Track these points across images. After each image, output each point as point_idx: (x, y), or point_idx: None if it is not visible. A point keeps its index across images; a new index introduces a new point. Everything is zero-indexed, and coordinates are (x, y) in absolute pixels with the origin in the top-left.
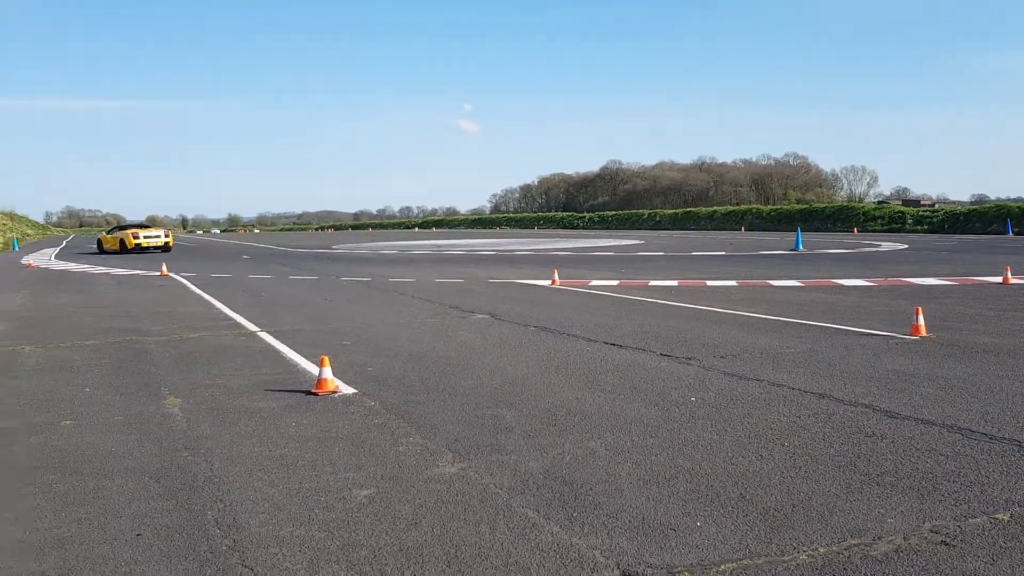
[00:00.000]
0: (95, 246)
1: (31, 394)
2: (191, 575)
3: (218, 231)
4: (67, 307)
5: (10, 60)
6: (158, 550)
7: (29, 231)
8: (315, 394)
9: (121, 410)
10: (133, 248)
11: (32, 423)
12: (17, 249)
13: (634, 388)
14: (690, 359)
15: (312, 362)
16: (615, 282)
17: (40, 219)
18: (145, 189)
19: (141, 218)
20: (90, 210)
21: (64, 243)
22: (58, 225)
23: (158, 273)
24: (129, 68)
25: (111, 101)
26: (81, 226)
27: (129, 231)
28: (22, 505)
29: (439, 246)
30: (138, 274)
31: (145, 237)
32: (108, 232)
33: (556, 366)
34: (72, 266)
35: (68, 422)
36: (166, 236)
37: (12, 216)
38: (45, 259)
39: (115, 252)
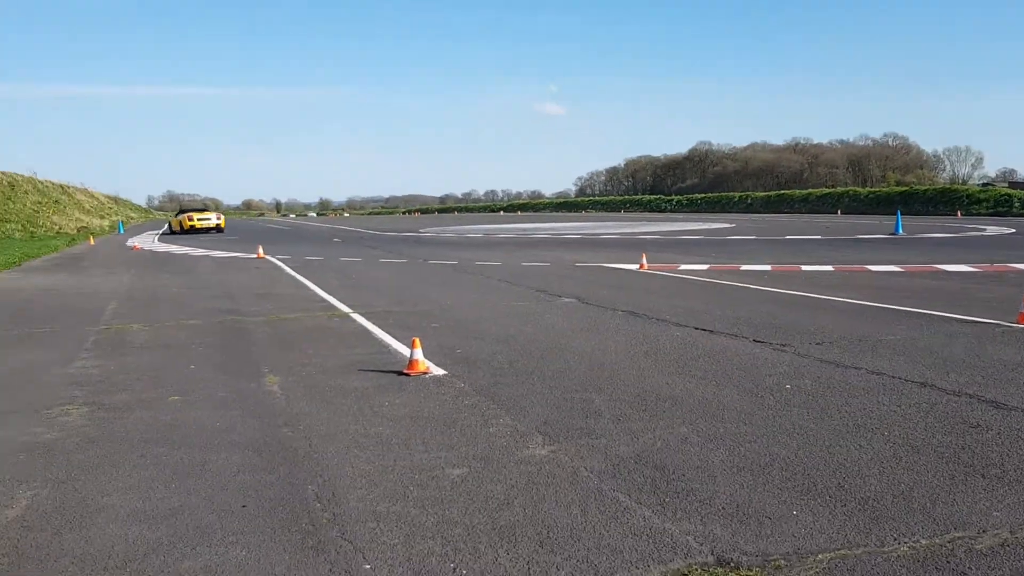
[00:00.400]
0: (167, 228)
1: (141, 370)
2: (294, 546)
3: (314, 215)
4: (170, 287)
5: (117, 50)
6: (262, 521)
7: (132, 214)
8: (407, 374)
9: (224, 387)
10: (189, 229)
11: (143, 398)
12: (122, 232)
13: (726, 374)
14: (784, 346)
15: (403, 343)
16: (705, 266)
17: (142, 203)
18: (242, 174)
19: (237, 203)
20: (189, 194)
21: (165, 226)
22: (159, 209)
23: (255, 256)
24: (230, 57)
25: (211, 89)
26: (181, 210)
27: (186, 215)
28: (136, 476)
29: (524, 230)
30: (236, 256)
31: (199, 220)
32: (175, 215)
33: (645, 351)
34: (173, 248)
35: (175, 398)
36: (218, 219)
37: (116, 200)
38: (148, 241)
39: (179, 232)
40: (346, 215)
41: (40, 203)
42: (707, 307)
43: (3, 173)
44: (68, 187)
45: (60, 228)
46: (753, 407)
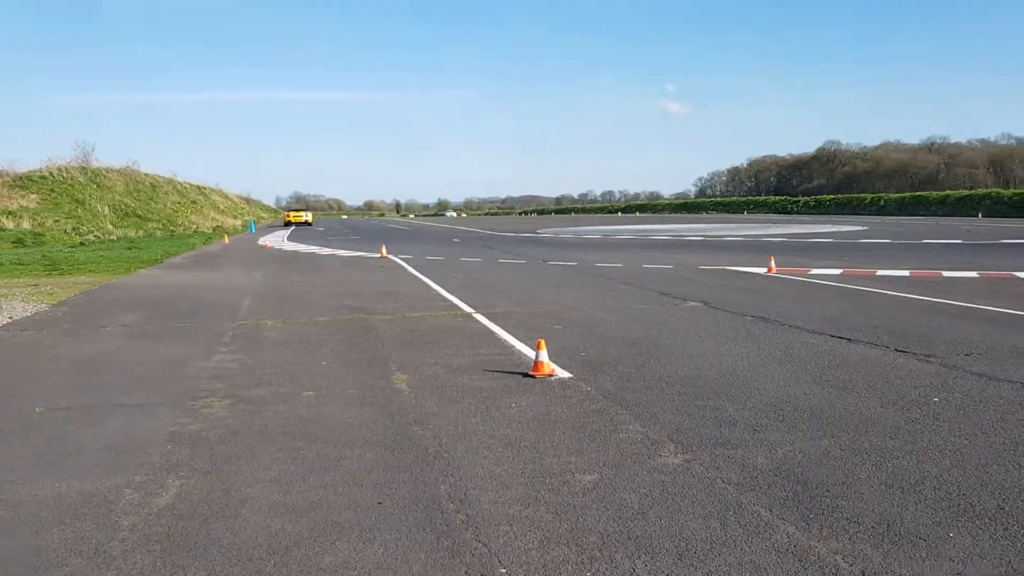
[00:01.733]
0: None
1: (276, 365)
2: (430, 546)
3: (452, 214)
4: (300, 285)
5: (253, 57)
6: (398, 519)
7: (263, 214)
8: (532, 376)
9: (355, 383)
10: (288, 222)
11: (279, 393)
12: (254, 231)
13: (868, 385)
14: (929, 356)
15: (527, 344)
16: (838, 271)
17: (271, 203)
18: (364, 175)
19: (359, 203)
20: (314, 195)
21: (294, 226)
22: (288, 209)
23: (378, 255)
24: (358, 64)
25: (339, 93)
26: (307, 209)
27: (286, 213)
28: (276, 470)
29: (644, 231)
30: (361, 256)
31: (294, 215)
32: (286, 212)
33: (779, 358)
34: (301, 247)
35: (310, 393)
36: (307, 216)
37: (248, 200)
38: (278, 240)
39: (287, 224)
40: (464, 215)
41: (179, 203)
42: (843, 314)
43: (146, 175)
44: (204, 188)
45: (197, 227)
46: (899, 421)
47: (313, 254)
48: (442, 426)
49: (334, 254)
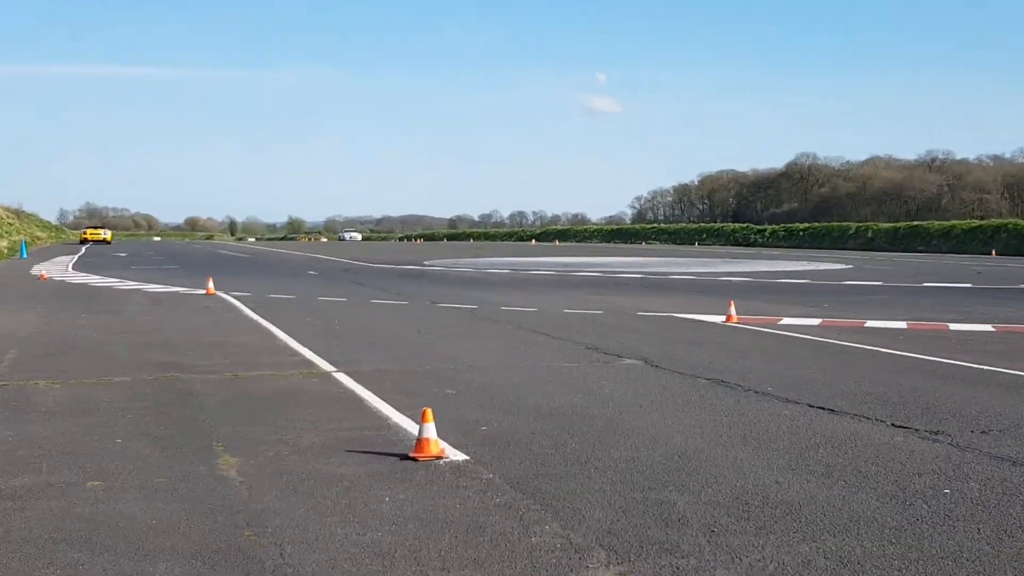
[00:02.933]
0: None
1: (49, 444)
2: None
3: (355, 235)
4: (90, 331)
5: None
6: None
7: (40, 233)
8: (414, 459)
9: (163, 469)
10: (84, 240)
11: (51, 482)
12: (25, 256)
13: (858, 472)
14: (936, 433)
15: (407, 415)
16: (815, 321)
17: (53, 218)
18: (188, 183)
19: (178, 220)
20: (115, 208)
21: (84, 249)
22: (75, 227)
23: (203, 291)
24: (179, 29)
25: (150, 68)
26: (96, 227)
27: (86, 231)
28: None
29: (566, 264)
30: (178, 292)
31: (92, 233)
32: (83, 231)
33: (742, 435)
34: (94, 279)
35: (96, 483)
36: (106, 233)
37: (19, 213)
38: (60, 269)
39: (83, 242)
40: (323, 240)
41: None
42: (823, 376)
43: None
44: None
45: None
46: (900, 520)
47: (110, 288)
48: (286, 529)
49: (139, 289)
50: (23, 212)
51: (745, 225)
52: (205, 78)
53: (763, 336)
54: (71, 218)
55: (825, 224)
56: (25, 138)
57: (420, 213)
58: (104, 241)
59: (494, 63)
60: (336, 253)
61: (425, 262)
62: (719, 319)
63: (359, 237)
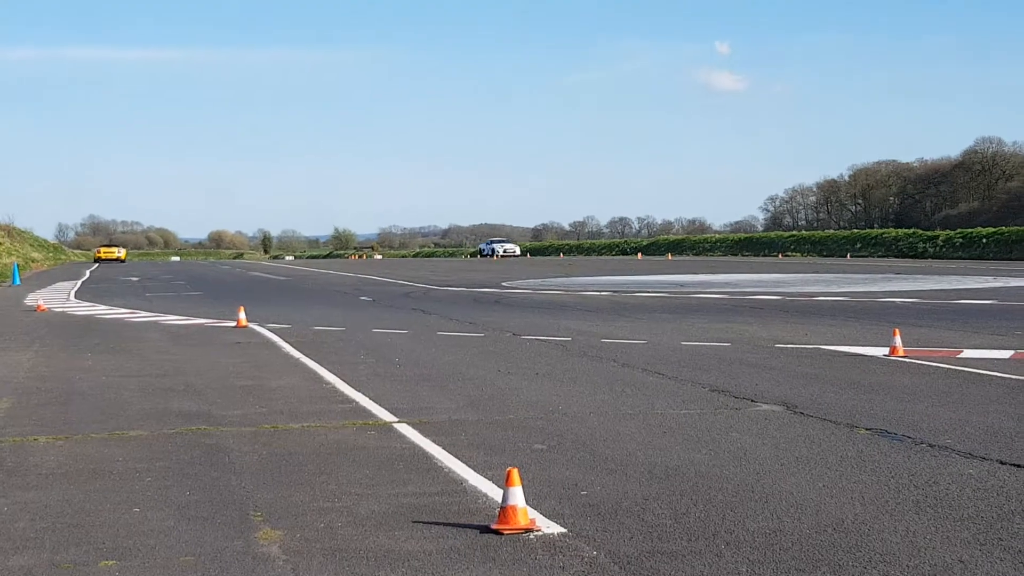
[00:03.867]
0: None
1: (53, 514)
2: None
3: (513, 248)
4: (98, 374)
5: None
6: None
7: (35, 254)
8: (497, 532)
9: (190, 546)
10: (98, 259)
11: (55, 561)
12: (18, 283)
13: None
14: None
15: (488, 477)
16: (1006, 353)
17: (50, 235)
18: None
19: (202, 236)
20: (125, 222)
21: (88, 273)
22: (77, 246)
23: (232, 324)
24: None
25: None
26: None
27: (100, 249)
28: None
29: (681, 284)
30: (202, 324)
31: (106, 251)
32: (97, 249)
33: (914, 501)
34: (101, 309)
35: (110, 562)
36: (120, 251)
37: (9, 231)
38: (60, 297)
39: (97, 260)
40: (377, 256)
41: None
42: (1018, 425)
43: None
44: None
45: None
46: None
47: (119, 321)
48: None
49: (155, 321)
50: (15, 229)
51: (911, 231)
52: (226, 62)
53: (938, 374)
54: (72, 235)
55: (1015, 228)
56: (15, 141)
57: (496, 222)
58: (119, 260)
59: (585, 32)
60: (395, 272)
61: (504, 283)
62: (881, 352)
63: (517, 251)
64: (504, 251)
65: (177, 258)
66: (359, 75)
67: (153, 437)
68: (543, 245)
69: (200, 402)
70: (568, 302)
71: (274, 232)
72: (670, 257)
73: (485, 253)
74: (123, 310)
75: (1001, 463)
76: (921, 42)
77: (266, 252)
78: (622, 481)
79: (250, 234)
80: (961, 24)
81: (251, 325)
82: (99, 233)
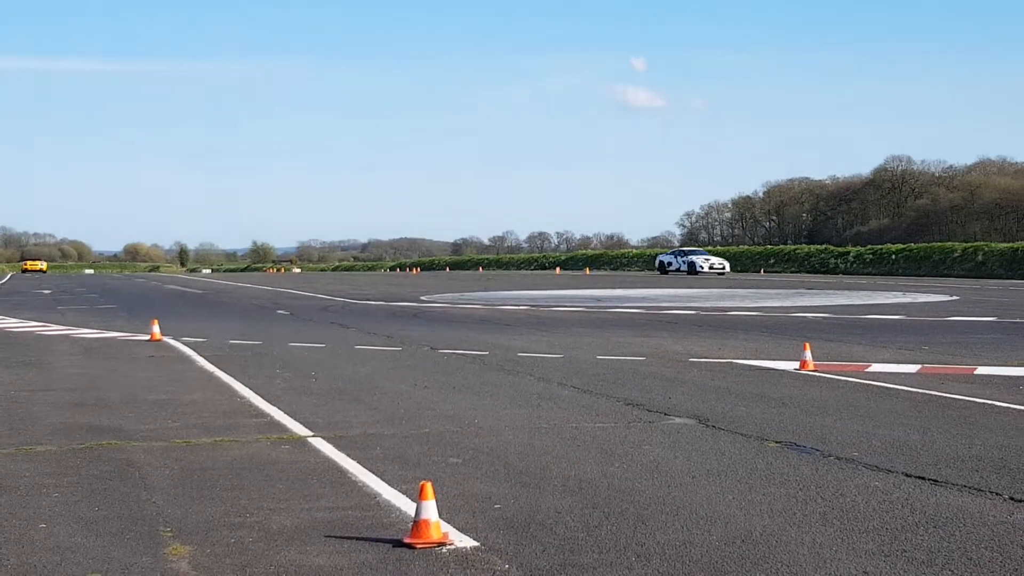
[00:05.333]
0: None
1: None
2: None
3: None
4: (6, 388)
5: None
6: None
7: None
8: (410, 546)
9: (97, 562)
10: (25, 271)
11: None
12: None
13: (968, 558)
14: None
15: (402, 491)
16: (912, 368)
17: None
18: (127, 204)
19: (117, 247)
20: (37, 235)
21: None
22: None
23: (146, 337)
24: (106, 18)
25: (62, 60)
26: (22, 259)
27: (26, 262)
28: None
29: (599, 299)
30: (115, 338)
31: (31, 264)
32: (23, 262)
33: (821, 513)
34: (10, 323)
35: None
36: (43, 264)
37: None
38: None
39: (24, 272)
40: (296, 270)
41: None
42: (923, 438)
43: None
44: None
45: None
46: None
47: (29, 334)
48: None
49: (67, 334)
50: None
51: (823, 247)
52: (142, 72)
53: (846, 387)
54: None
55: (923, 245)
56: None
57: (415, 236)
58: (42, 271)
59: (503, 49)
60: (312, 286)
61: (423, 297)
62: (791, 366)
63: (727, 268)
64: (711, 266)
65: (91, 271)
66: (280, 87)
67: (62, 452)
68: (462, 259)
69: (111, 417)
70: (486, 316)
71: (191, 245)
72: (588, 272)
73: (674, 268)
74: (34, 323)
75: (906, 475)
76: (833, 60)
77: (183, 265)
78: (536, 495)
79: (166, 247)
80: (872, 43)
81: (165, 339)
82: (11, 245)
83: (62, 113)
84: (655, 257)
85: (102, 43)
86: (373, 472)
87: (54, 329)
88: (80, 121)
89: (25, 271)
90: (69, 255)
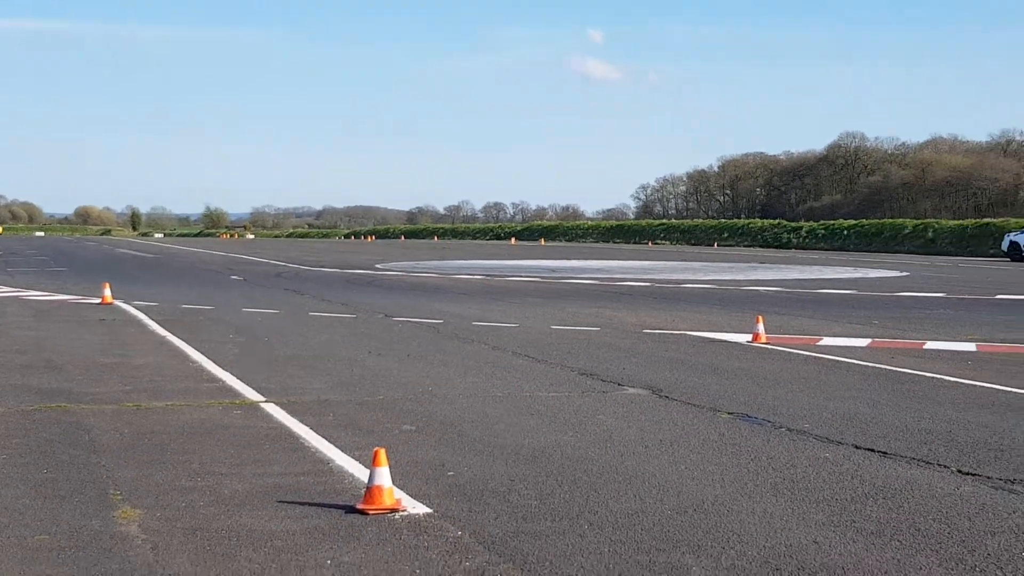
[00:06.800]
0: None
1: None
2: None
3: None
4: None
5: None
6: None
7: None
8: (363, 512)
9: (46, 524)
10: None
11: None
12: None
13: (916, 529)
14: (1012, 483)
15: (355, 457)
16: (863, 341)
17: None
18: (78, 166)
19: (68, 210)
20: None
21: None
22: None
23: (97, 300)
24: None
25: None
26: None
27: None
28: None
29: (553, 270)
30: (65, 301)
31: None
32: None
33: (772, 483)
34: None
35: None
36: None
37: None
38: None
39: None
40: (249, 236)
41: None
42: (873, 411)
43: None
44: None
45: None
46: None
47: None
48: None
49: (16, 296)
50: None
51: (776, 221)
52: (97, 34)
53: (798, 360)
54: None
55: (875, 221)
56: None
57: (371, 204)
58: None
59: (460, 20)
60: (267, 252)
61: (377, 265)
62: (744, 339)
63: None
64: None
65: (41, 233)
66: (236, 52)
67: (10, 414)
68: (418, 228)
69: (61, 379)
70: (441, 285)
71: (143, 209)
72: (543, 243)
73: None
74: None
75: (856, 447)
76: (789, 37)
77: (135, 229)
78: (489, 462)
79: (118, 210)
80: (828, 20)
81: (116, 302)
82: None
83: (13, 73)
84: (1003, 235)
85: (55, 4)
86: (326, 438)
87: (3, 291)
88: (31, 82)
89: None
90: (19, 217)
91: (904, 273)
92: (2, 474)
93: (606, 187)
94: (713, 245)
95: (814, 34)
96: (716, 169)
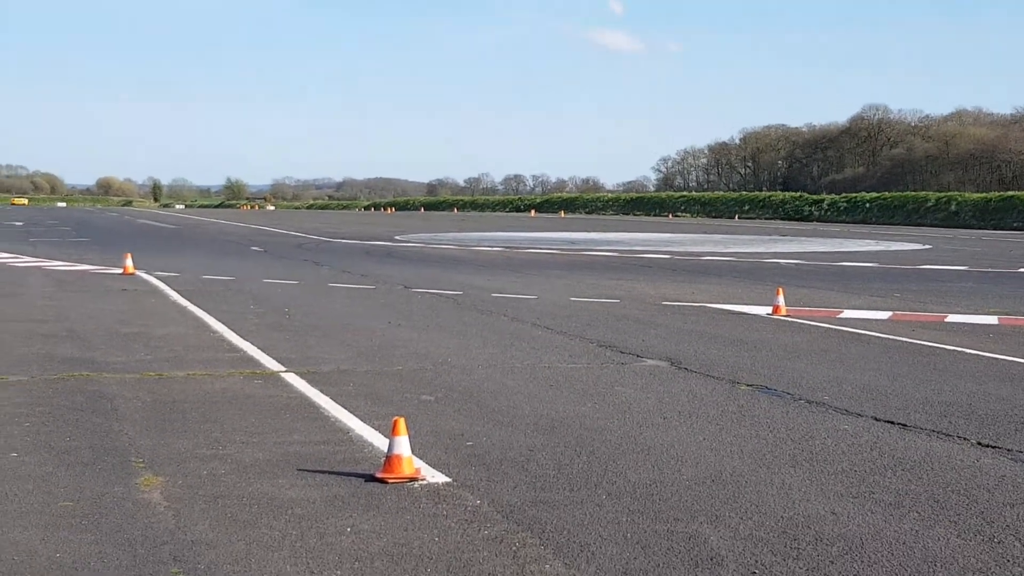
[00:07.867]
0: None
1: None
2: None
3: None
4: None
5: None
6: None
7: None
8: (382, 480)
9: (69, 491)
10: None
11: None
12: None
13: (935, 501)
14: None
15: (374, 427)
16: (884, 314)
17: None
18: (101, 137)
19: (90, 181)
20: (9, 166)
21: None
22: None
23: (119, 271)
24: None
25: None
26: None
27: (14, 198)
28: None
29: (573, 242)
30: (88, 271)
31: (16, 200)
32: (12, 198)
33: (791, 454)
34: None
35: None
36: (24, 200)
37: None
38: None
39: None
40: (270, 207)
41: None
42: (892, 383)
43: None
44: None
45: None
46: (987, 560)
47: (3, 266)
48: (222, 567)
49: (40, 266)
50: None
51: (798, 194)
52: (120, 4)
53: (818, 333)
54: None
55: (897, 194)
56: None
57: (391, 176)
58: (24, 205)
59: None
60: (287, 224)
61: (397, 236)
62: (764, 311)
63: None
64: None
65: (63, 204)
66: (258, 24)
67: (34, 382)
68: (437, 200)
69: (84, 348)
70: (461, 257)
71: (165, 180)
72: (563, 215)
73: None
74: (5, 255)
75: (875, 419)
76: (813, 8)
77: (156, 200)
78: (508, 432)
79: (140, 182)
80: None
81: (138, 273)
82: None
83: (35, 44)
84: None
85: None
86: (346, 408)
87: (26, 261)
88: (54, 52)
89: (13, 205)
90: (41, 188)
91: (927, 246)
92: (26, 441)
93: (626, 160)
94: (734, 217)
95: (838, 5)
96: (737, 142)
